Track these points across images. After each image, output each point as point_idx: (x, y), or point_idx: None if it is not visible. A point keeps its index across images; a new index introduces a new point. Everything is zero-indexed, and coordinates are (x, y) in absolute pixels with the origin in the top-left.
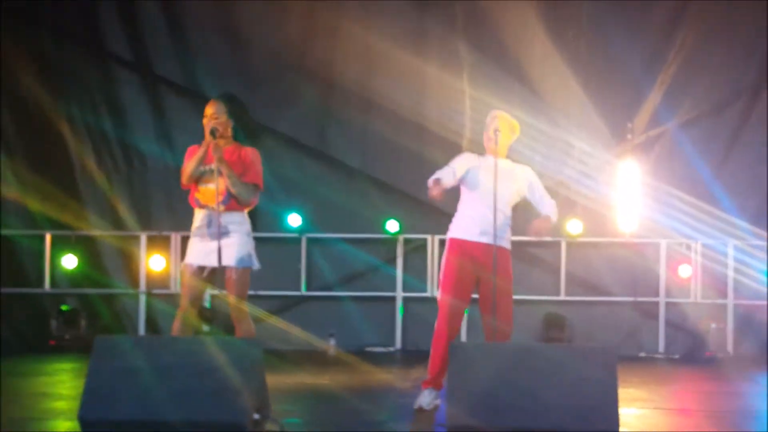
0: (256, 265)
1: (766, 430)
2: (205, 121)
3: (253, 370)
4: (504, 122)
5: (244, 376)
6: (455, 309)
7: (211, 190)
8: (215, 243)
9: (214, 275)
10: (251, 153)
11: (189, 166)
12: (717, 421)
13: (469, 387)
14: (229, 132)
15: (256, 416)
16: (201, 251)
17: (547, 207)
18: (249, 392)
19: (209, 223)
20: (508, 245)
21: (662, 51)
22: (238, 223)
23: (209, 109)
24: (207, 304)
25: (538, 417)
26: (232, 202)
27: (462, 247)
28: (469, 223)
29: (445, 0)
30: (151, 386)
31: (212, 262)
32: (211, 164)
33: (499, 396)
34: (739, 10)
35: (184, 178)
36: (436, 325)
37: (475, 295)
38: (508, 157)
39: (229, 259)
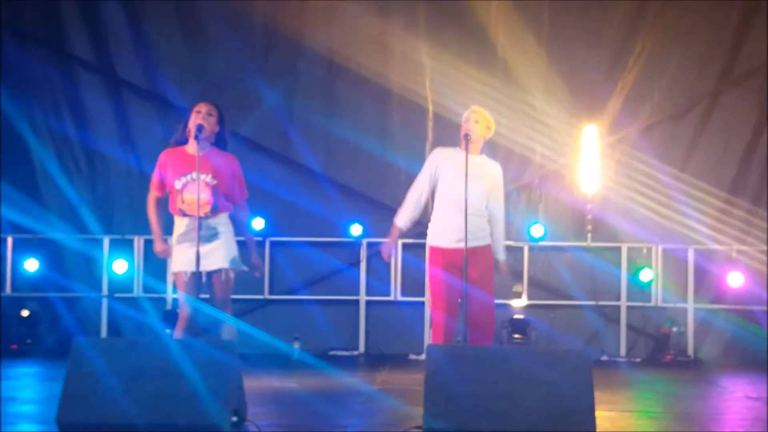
0: (243, 266)
1: (732, 431)
2: (196, 117)
3: (230, 371)
4: (482, 116)
5: (222, 378)
6: (450, 326)
7: (196, 199)
8: (205, 247)
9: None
10: (237, 163)
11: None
12: (685, 423)
13: (446, 390)
14: (213, 138)
15: (234, 419)
16: (192, 258)
17: (496, 231)
18: (226, 394)
19: (199, 227)
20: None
21: (621, 57)
22: (225, 224)
23: (204, 107)
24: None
25: (515, 420)
26: (219, 207)
27: (444, 255)
28: (446, 229)
29: (408, 1)
30: (129, 389)
31: (206, 266)
32: (193, 173)
33: (475, 399)
34: (696, 15)
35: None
36: (431, 342)
37: None
38: (482, 153)
39: (222, 261)
